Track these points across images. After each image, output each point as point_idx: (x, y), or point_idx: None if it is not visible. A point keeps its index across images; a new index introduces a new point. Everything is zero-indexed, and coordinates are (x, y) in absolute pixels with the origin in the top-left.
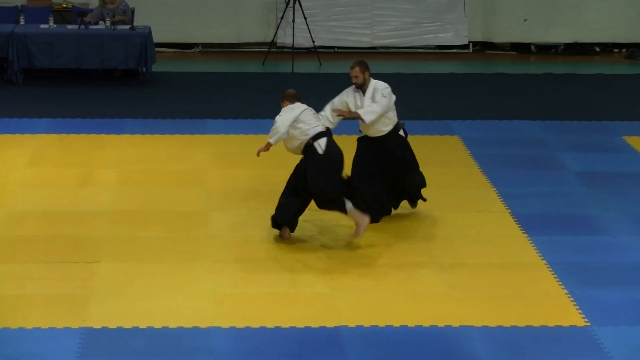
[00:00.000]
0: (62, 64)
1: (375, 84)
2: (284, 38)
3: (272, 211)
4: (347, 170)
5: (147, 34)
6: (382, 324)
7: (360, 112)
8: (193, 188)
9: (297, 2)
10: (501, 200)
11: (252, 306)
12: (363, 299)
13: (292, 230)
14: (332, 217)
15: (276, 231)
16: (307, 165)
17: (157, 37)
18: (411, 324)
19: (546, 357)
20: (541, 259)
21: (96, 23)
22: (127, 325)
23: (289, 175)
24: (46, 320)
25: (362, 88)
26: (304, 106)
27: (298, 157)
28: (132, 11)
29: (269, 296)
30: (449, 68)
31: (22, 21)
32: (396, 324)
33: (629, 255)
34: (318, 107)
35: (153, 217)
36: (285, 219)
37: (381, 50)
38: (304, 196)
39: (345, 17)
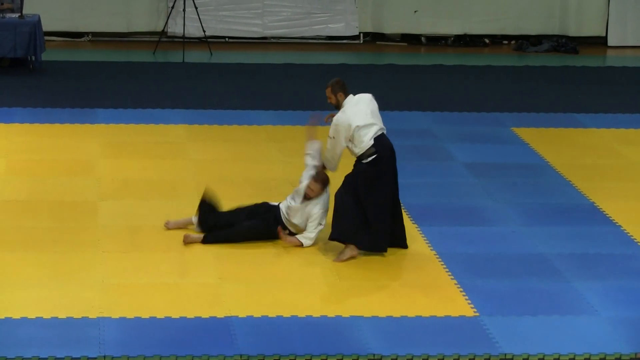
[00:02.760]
0: None
1: (341, 111)
2: (175, 27)
3: (163, 201)
4: None
5: (37, 22)
6: (272, 314)
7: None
8: (82, 178)
9: None
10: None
11: (142, 296)
12: (253, 289)
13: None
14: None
15: (162, 220)
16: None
17: (46, 26)
18: (301, 314)
19: (435, 347)
20: (430, 250)
21: None
22: (16, 315)
23: (178, 166)
24: None
25: (337, 108)
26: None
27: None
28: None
29: (159, 286)
30: (339, 59)
31: None
32: (286, 314)
33: (517, 246)
34: (210, 98)
35: (41, 206)
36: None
37: (272, 40)
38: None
39: (237, 6)
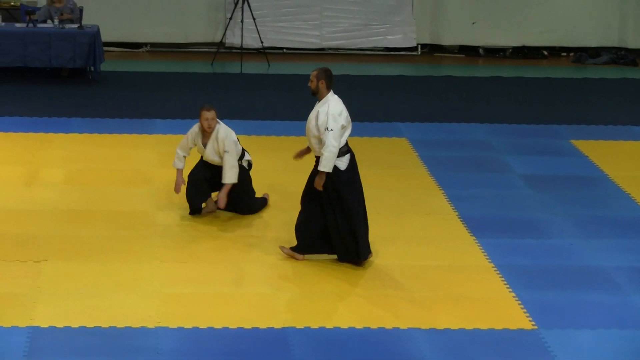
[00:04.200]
0: (10, 62)
1: (323, 105)
2: (233, 38)
3: (218, 211)
4: None
5: (95, 33)
6: (329, 325)
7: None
8: (139, 188)
9: (245, 2)
10: (448, 203)
11: (199, 306)
12: (310, 300)
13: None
14: (280, 219)
15: (222, 231)
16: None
17: (105, 36)
18: (359, 325)
19: None
20: (488, 262)
21: (44, 21)
22: (75, 324)
23: None
24: None
25: (316, 97)
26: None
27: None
28: (81, 10)
29: (216, 296)
30: (397, 70)
31: None
32: (344, 325)
33: (575, 258)
34: (267, 109)
35: (99, 216)
36: None
37: (329, 51)
38: None
39: (294, 18)
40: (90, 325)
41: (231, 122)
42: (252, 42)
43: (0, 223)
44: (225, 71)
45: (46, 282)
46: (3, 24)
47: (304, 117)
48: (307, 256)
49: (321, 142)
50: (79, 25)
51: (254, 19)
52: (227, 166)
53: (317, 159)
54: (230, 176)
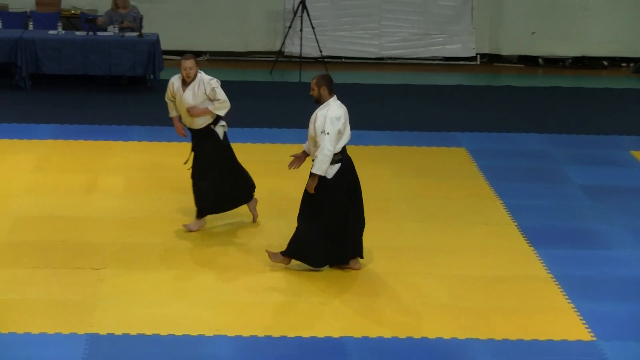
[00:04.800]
0: (70, 70)
1: (322, 109)
2: (292, 47)
3: (278, 221)
4: None
5: (155, 41)
6: (388, 335)
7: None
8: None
9: (305, 11)
10: (507, 212)
11: (257, 315)
12: (369, 309)
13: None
14: None
15: (280, 241)
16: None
17: (164, 45)
18: (417, 335)
19: None
20: (547, 272)
21: (104, 29)
22: (133, 332)
23: (290, 185)
24: (52, 325)
25: (318, 103)
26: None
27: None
28: (140, 18)
29: (274, 305)
30: (456, 80)
31: (30, 27)
32: (402, 335)
33: (635, 269)
34: None
35: (158, 224)
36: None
37: (388, 61)
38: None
39: (353, 27)
40: (148, 332)
41: (289, 131)
42: (311, 51)
43: (60, 230)
44: (284, 80)
45: (105, 290)
46: (64, 32)
47: (363, 126)
48: (364, 265)
49: (316, 145)
50: (139, 33)
51: (313, 28)
52: (220, 100)
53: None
54: (218, 107)
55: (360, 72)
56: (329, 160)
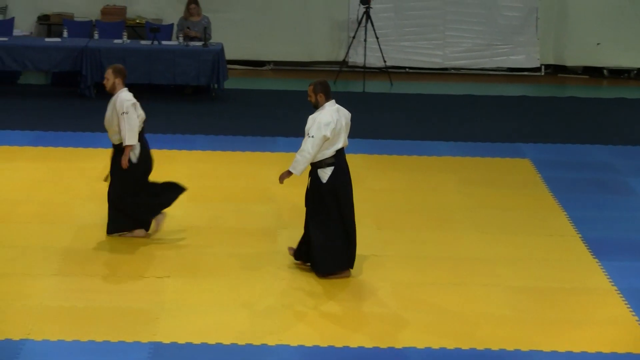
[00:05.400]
0: (135, 79)
1: (315, 113)
2: (356, 57)
3: None
4: None
5: (220, 51)
6: (450, 346)
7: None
8: (262, 205)
9: (369, 21)
10: (571, 224)
11: (320, 324)
12: (431, 320)
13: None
14: (389, 237)
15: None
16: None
17: (229, 54)
18: (479, 346)
19: None
20: (611, 284)
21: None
22: (196, 340)
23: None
24: (116, 333)
25: (316, 109)
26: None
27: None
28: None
29: (337, 314)
30: (520, 90)
31: (95, 36)
32: (465, 346)
33: None
34: (389, 128)
35: (222, 233)
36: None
37: (452, 71)
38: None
39: (417, 37)
40: (211, 342)
41: (353, 141)
42: (374, 61)
43: (123, 239)
44: (347, 90)
45: (168, 298)
46: (128, 41)
47: (426, 136)
48: (428, 276)
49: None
50: (203, 43)
51: (377, 38)
52: (124, 128)
53: (311, 168)
54: (129, 137)
55: (424, 83)
56: (307, 162)
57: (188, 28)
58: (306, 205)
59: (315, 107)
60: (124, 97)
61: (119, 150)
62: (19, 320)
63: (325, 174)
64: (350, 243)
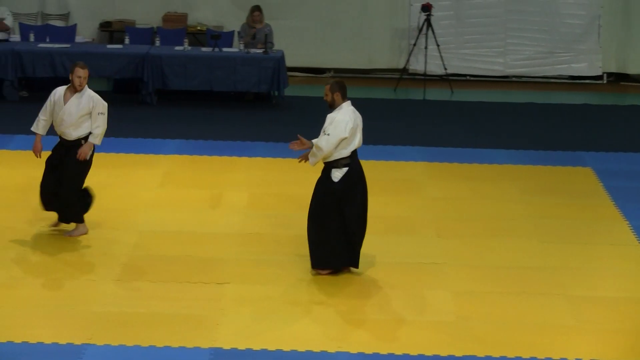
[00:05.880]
0: (195, 86)
1: (333, 112)
2: (416, 65)
3: (400, 237)
4: None
5: (280, 58)
6: (511, 355)
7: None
8: None
9: (430, 29)
10: (633, 233)
11: (380, 332)
12: (491, 328)
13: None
14: (449, 246)
15: (401, 257)
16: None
17: (289, 61)
18: (540, 355)
19: None
20: None
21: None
22: (256, 347)
23: (416, 203)
24: (176, 339)
25: (332, 109)
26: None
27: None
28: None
29: (397, 323)
30: (581, 99)
31: (157, 43)
32: (525, 354)
33: None
34: (450, 136)
35: (282, 240)
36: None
37: (513, 79)
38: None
39: (478, 45)
40: (271, 348)
41: (413, 148)
42: (435, 68)
43: (184, 245)
44: (408, 97)
45: (228, 304)
46: (190, 48)
47: (488, 144)
48: (490, 285)
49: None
50: (264, 50)
51: (437, 45)
52: (101, 127)
53: (325, 165)
54: (100, 138)
55: (485, 91)
56: (320, 158)
57: (254, 38)
58: (313, 198)
59: (331, 106)
60: (99, 97)
61: (73, 146)
62: (81, 325)
63: (338, 174)
64: (353, 243)
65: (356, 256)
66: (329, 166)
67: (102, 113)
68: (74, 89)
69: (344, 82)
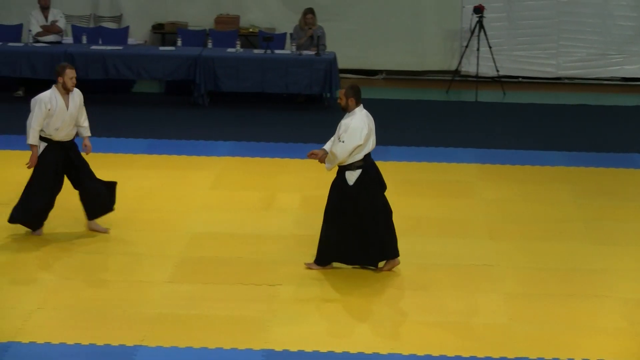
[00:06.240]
0: (247, 88)
1: (347, 117)
2: (468, 67)
3: (453, 239)
4: None
5: (332, 60)
6: (563, 357)
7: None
8: None
9: (482, 30)
10: None
11: (432, 334)
12: (543, 331)
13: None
14: (502, 248)
15: (458, 259)
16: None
17: (341, 63)
18: (593, 358)
19: None
20: None
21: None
22: (308, 348)
23: (469, 205)
24: (229, 341)
25: (345, 112)
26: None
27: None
28: (319, 37)
29: (448, 325)
30: (634, 101)
31: (209, 45)
32: (577, 357)
33: None
34: (502, 138)
35: None
36: None
37: (566, 81)
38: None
39: (531, 46)
40: (323, 350)
41: (465, 150)
42: (487, 70)
43: (236, 247)
44: (460, 99)
45: (280, 306)
46: (242, 50)
47: (541, 146)
48: (540, 287)
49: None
50: (316, 52)
51: (490, 47)
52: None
53: (339, 168)
54: (88, 127)
55: (537, 92)
56: (336, 164)
57: (311, 37)
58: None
59: (345, 110)
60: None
61: (71, 144)
62: (133, 327)
63: (352, 176)
64: (369, 244)
65: (373, 256)
66: (343, 169)
67: (83, 104)
68: (66, 91)
69: (358, 86)
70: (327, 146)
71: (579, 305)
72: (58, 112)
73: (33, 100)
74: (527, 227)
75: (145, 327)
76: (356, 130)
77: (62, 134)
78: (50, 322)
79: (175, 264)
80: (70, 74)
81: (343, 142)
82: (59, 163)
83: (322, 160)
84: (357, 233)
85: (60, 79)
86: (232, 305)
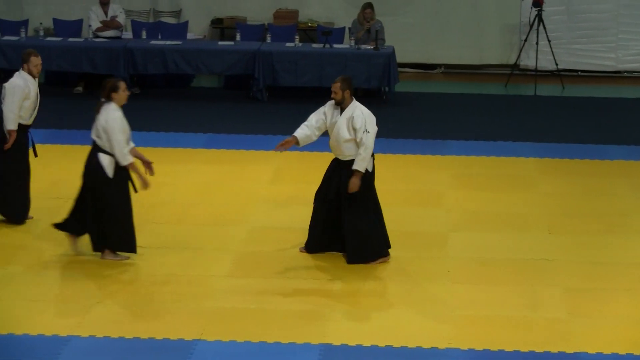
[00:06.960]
0: (306, 82)
1: (354, 110)
2: (527, 60)
3: (513, 234)
4: None
5: (391, 54)
6: (622, 351)
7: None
8: (432, 208)
9: (541, 24)
10: None
11: (490, 329)
12: (602, 326)
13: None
14: (561, 242)
15: (515, 252)
16: None
17: (400, 57)
18: (636, 352)
19: None
20: None
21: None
22: (366, 342)
23: (528, 199)
24: (287, 335)
25: (340, 106)
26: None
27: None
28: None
29: (509, 319)
30: None
31: (268, 39)
32: (637, 351)
33: None
34: (562, 132)
35: (391, 236)
36: None
37: (625, 74)
38: None
39: (590, 40)
40: (381, 344)
41: (524, 144)
42: (546, 64)
43: (296, 241)
44: (519, 93)
45: (339, 300)
46: (300, 44)
47: (600, 140)
48: (596, 281)
49: (354, 146)
50: (374, 46)
51: (549, 41)
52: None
53: (343, 163)
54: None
55: (597, 86)
56: (369, 157)
57: (369, 31)
58: (343, 196)
59: (339, 103)
60: None
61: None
62: (192, 321)
63: (371, 164)
64: (383, 227)
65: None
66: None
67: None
68: (33, 77)
69: (350, 78)
70: (297, 133)
71: (638, 300)
72: (34, 96)
73: (7, 86)
74: (587, 221)
75: (204, 321)
76: (372, 117)
77: (32, 119)
78: (110, 317)
79: (234, 258)
80: (35, 62)
81: (368, 132)
82: (27, 147)
83: (356, 184)
84: (376, 221)
85: (25, 66)
86: (290, 300)
